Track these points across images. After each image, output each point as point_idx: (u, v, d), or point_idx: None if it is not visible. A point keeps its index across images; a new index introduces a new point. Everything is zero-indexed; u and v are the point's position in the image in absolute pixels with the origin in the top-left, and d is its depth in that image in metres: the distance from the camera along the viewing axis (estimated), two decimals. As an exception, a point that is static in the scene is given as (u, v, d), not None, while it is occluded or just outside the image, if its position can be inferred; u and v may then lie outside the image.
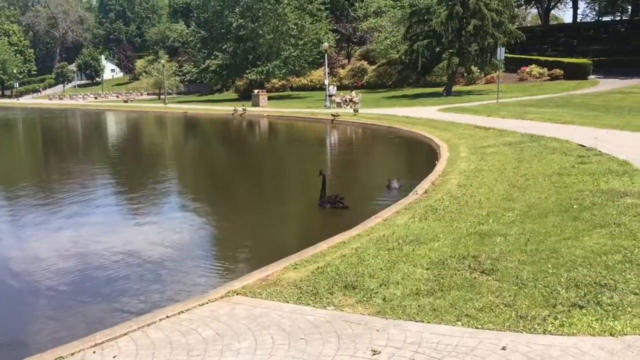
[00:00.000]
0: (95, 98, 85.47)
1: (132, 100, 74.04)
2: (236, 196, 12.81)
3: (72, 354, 4.35)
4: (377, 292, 5.09)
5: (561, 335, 4.08)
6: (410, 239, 6.70)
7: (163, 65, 70.03)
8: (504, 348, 3.94)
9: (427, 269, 5.57)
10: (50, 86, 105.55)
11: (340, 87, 46.52)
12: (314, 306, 4.94)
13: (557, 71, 49.66)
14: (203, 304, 5.17)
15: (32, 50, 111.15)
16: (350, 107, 37.97)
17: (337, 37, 63.01)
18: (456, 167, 12.59)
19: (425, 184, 10.92)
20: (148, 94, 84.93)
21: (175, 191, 13.63)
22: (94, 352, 4.35)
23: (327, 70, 45.13)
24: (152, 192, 13.20)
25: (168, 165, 18.70)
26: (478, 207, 8.18)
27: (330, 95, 41.27)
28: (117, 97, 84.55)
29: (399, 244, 6.51)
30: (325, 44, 46.18)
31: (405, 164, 17.67)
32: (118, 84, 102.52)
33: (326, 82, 43.57)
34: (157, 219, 10.31)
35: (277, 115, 39.93)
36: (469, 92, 46.05)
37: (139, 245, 8.53)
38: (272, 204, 11.58)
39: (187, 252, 8.21)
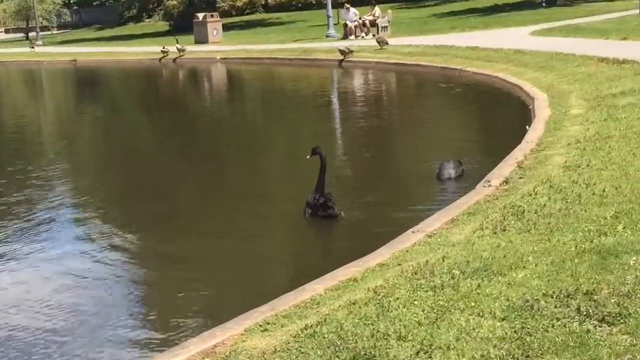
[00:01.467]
0: None
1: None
2: (171, 207, 12.89)
3: None
4: (413, 366, 5.11)
5: None
6: (474, 267, 6.69)
7: (31, -23, 70.26)
8: None
9: (503, 320, 5.57)
10: None
11: (354, 3, 46.31)
12: (297, 396, 4.95)
13: None
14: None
15: None
16: (372, 35, 38.00)
17: None
18: (562, 133, 12.57)
19: (505, 167, 10.92)
20: (6, 32, 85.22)
21: (69, 203, 13.66)
22: None
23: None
24: (28, 209, 13.24)
25: (51, 159, 18.75)
26: (599, 204, 8.14)
27: (351, 22, 40.42)
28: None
29: (453, 278, 6.50)
30: None
31: (471, 134, 17.68)
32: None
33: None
34: (38, 256, 10.38)
35: (241, 58, 40.10)
36: (588, -2, 46.03)
37: (7, 303, 8.64)
38: (234, 216, 11.67)
39: (87, 310, 8.33)
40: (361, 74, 31.29)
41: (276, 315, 6.37)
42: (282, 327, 6.10)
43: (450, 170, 12.15)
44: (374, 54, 32.49)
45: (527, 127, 14.01)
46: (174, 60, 42.56)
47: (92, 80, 41.97)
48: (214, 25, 49.31)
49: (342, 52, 32.62)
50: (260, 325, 6.18)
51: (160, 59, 43.32)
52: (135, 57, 46.61)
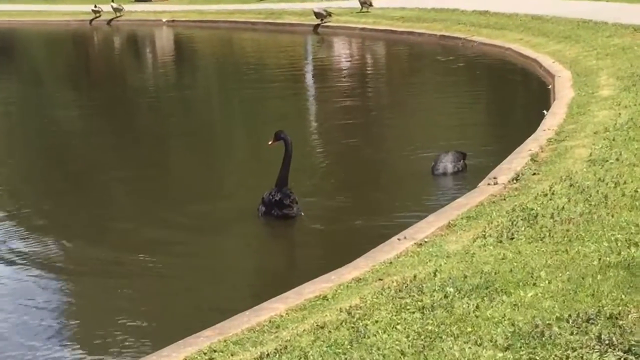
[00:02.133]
0: None
1: None
2: (102, 206, 12.92)
3: None
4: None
5: None
6: (472, 283, 6.68)
7: None
8: None
9: (507, 349, 5.55)
10: None
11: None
12: None
13: None
14: None
15: None
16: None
17: None
18: (588, 120, 12.60)
19: (516, 160, 10.94)
20: None
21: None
22: None
23: None
24: None
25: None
26: (630, 207, 8.16)
27: None
28: None
29: (446, 297, 6.49)
30: None
31: (476, 120, 17.68)
32: None
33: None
34: None
35: (193, 21, 39.95)
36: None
37: None
38: (177, 218, 11.71)
39: (3, 329, 8.39)
40: (341, 42, 31.25)
41: (225, 341, 6.34)
42: (231, 355, 6.07)
43: (447, 164, 12.09)
44: (358, 18, 32.49)
45: (544, 111, 14.04)
46: (109, 22, 42.41)
47: (6, 46, 41.61)
48: (159, -20, 49.10)
49: (318, 15, 32.56)
50: (205, 354, 6.15)
51: (92, 20, 43.11)
52: (61, 18, 46.32)
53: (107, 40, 40.23)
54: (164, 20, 40.84)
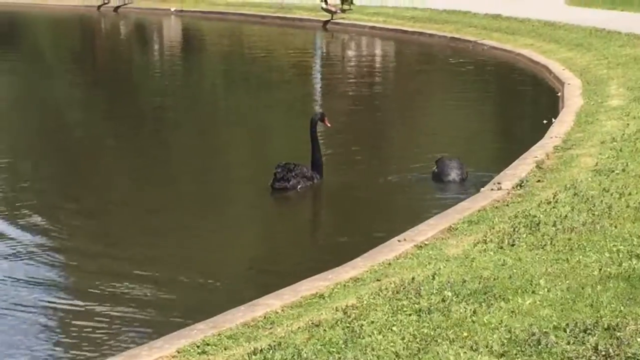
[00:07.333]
0: None
1: None
2: (108, 192, 13.00)
3: None
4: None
5: None
6: (471, 288, 6.69)
7: None
8: None
9: (502, 356, 5.55)
10: None
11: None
12: None
13: None
14: None
15: None
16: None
17: None
18: (595, 129, 12.61)
19: (521, 166, 10.96)
20: None
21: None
22: None
23: None
24: None
25: None
26: (633, 219, 8.18)
27: None
28: None
29: (444, 301, 6.49)
30: None
31: (483, 124, 17.67)
32: None
33: None
34: None
35: (202, 11, 39.87)
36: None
37: None
38: (173, 208, 11.74)
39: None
40: (350, 41, 31.18)
41: (219, 334, 6.34)
42: (225, 349, 6.08)
43: (452, 170, 11.89)
44: (369, 17, 32.40)
45: (550, 119, 14.04)
46: (116, 9, 42.29)
47: (14, 30, 41.43)
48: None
49: (327, 9, 32.34)
50: (198, 347, 6.15)
51: (100, 6, 42.99)
52: (69, 3, 46.15)
53: (113, 28, 40.12)
54: (172, 9, 40.76)
